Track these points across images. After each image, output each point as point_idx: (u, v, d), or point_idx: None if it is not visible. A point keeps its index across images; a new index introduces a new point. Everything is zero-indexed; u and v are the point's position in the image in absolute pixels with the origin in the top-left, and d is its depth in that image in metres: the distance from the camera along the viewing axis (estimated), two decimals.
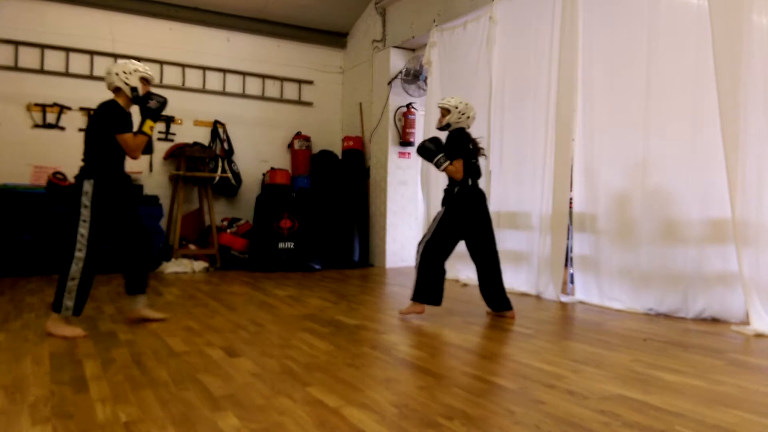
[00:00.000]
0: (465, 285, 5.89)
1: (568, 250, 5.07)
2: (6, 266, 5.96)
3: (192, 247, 7.23)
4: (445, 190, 4.28)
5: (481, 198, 4.22)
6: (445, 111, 4.24)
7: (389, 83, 7.50)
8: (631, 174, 4.56)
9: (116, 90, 3.64)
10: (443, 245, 4.13)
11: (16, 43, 6.63)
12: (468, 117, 4.24)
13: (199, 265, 6.88)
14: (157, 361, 2.90)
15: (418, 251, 4.17)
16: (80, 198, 3.45)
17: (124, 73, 3.64)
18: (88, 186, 3.48)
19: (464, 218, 4.16)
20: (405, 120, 7.52)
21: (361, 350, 3.24)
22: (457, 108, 4.19)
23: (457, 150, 4.14)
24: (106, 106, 3.60)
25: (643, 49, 4.47)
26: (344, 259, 7.43)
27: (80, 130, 6.94)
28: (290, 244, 7.02)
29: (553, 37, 5.16)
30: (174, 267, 6.67)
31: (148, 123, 3.67)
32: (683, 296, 4.20)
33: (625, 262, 4.56)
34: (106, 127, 3.52)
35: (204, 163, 7.39)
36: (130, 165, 7.12)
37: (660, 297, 4.32)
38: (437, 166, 4.18)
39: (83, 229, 3.45)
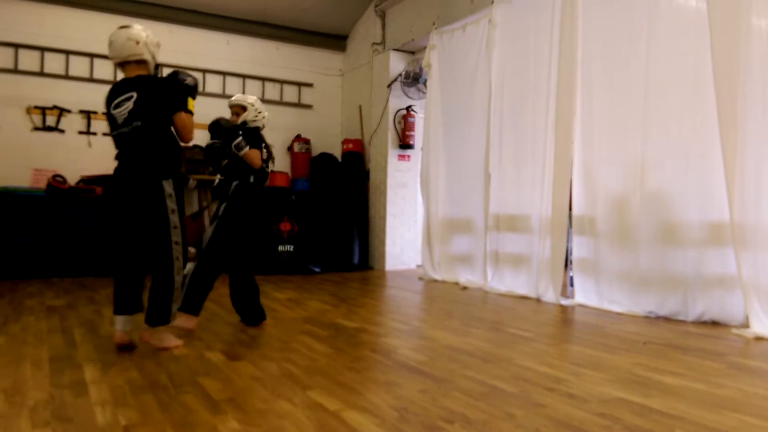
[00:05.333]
0: (465, 288, 5.89)
1: (568, 253, 5.07)
2: (6, 269, 5.95)
3: (192, 249, 7.21)
4: (218, 187, 3.92)
5: (260, 198, 3.94)
6: (240, 108, 4.00)
7: (389, 86, 7.50)
8: (631, 176, 4.56)
9: (139, 62, 3.16)
10: (224, 248, 3.80)
11: (16, 46, 6.63)
12: (264, 117, 4.04)
13: None
14: (157, 365, 2.90)
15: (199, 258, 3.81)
16: (164, 200, 3.09)
17: (156, 45, 3.28)
18: (168, 186, 3.12)
19: (243, 216, 3.84)
20: (405, 123, 7.52)
21: (361, 353, 3.24)
22: (254, 105, 4.00)
23: (255, 142, 3.88)
24: (160, 81, 3.21)
25: (642, 52, 4.48)
26: (344, 262, 7.42)
27: (80, 132, 6.95)
28: (290, 247, 7.02)
29: (553, 40, 5.17)
30: None
31: (191, 101, 3.23)
32: (683, 299, 4.20)
33: (624, 265, 4.56)
34: (169, 107, 3.08)
35: (204, 166, 7.39)
36: None
37: (660, 300, 4.32)
38: (237, 149, 3.78)
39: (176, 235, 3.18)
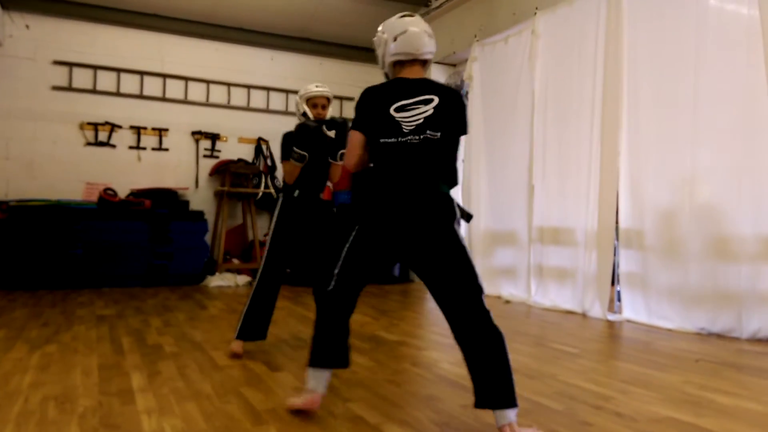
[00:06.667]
0: (507, 302, 5.80)
1: (615, 267, 4.94)
2: (58, 279, 6.17)
3: (235, 261, 7.34)
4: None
5: (303, 212, 3.58)
6: (327, 101, 3.63)
7: None
8: (680, 189, 4.42)
9: (426, 63, 2.55)
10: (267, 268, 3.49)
11: (71, 65, 6.92)
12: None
13: (242, 279, 6.98)
14: (201, 374, 2.94)
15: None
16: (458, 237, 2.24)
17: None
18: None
19: (283, 232, 3.51)
20: None
21: (401, 366, 3.22)
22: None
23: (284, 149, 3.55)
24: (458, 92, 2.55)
25: (690, 62, 4.36)
26: (384, 275, 7.41)
27: (130, 147, 7.18)
28: None
29: (597, 50, 5.08)
30: (218, 281, 6.79)
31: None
32: (737, 315, 4.03)
33: (674, 280, 4.41)
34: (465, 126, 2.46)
35: (248, 179, 7.53)
36: (177, 181, 7.36)
37: (712, 316, 4.16)
38: (341, 158, 3.62)
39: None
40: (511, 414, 2.08)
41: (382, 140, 2.29)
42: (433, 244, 2.19)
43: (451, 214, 2.23)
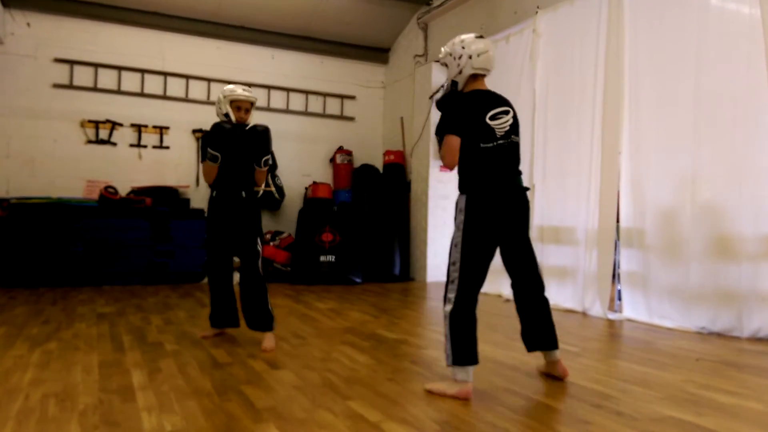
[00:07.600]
0: (508, 300, 5.79)
1: (616, 266, 4.94)
2: (59, 277, 6.17)
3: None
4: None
5: (223, 208, 3.67)
6: (251, 105, 3.74)
7: (431, 97, 7.49)
8: (681, 188, 4.42)
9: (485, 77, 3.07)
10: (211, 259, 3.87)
11: (72, 62, 6.92)
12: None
13: None
14: (202, 372, 2.95)
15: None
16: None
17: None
18: None
19: (212, 231, 3.78)
20: None
21: (402, 365, 3.22)
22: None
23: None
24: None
25: (691, 61, 4.35)
26: (385, 273, 7.42)
27: (131, 145, 7.18)
28: (331, 258, 7.06)
29: (599, 49, 5.07)
30: None
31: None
32: (737, 315, 4.03)
33: (675, 279, 4.41)
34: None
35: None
36: (178, 179, 7.36)
37: (713, 315, 4.16)
38: (266, 164, 3.73)
39: None
40: (557, 353, 2.93)
41: (482, 145, 2.75)
42: (524, 230, 2.87)
43: (527, 204, 2.89)
